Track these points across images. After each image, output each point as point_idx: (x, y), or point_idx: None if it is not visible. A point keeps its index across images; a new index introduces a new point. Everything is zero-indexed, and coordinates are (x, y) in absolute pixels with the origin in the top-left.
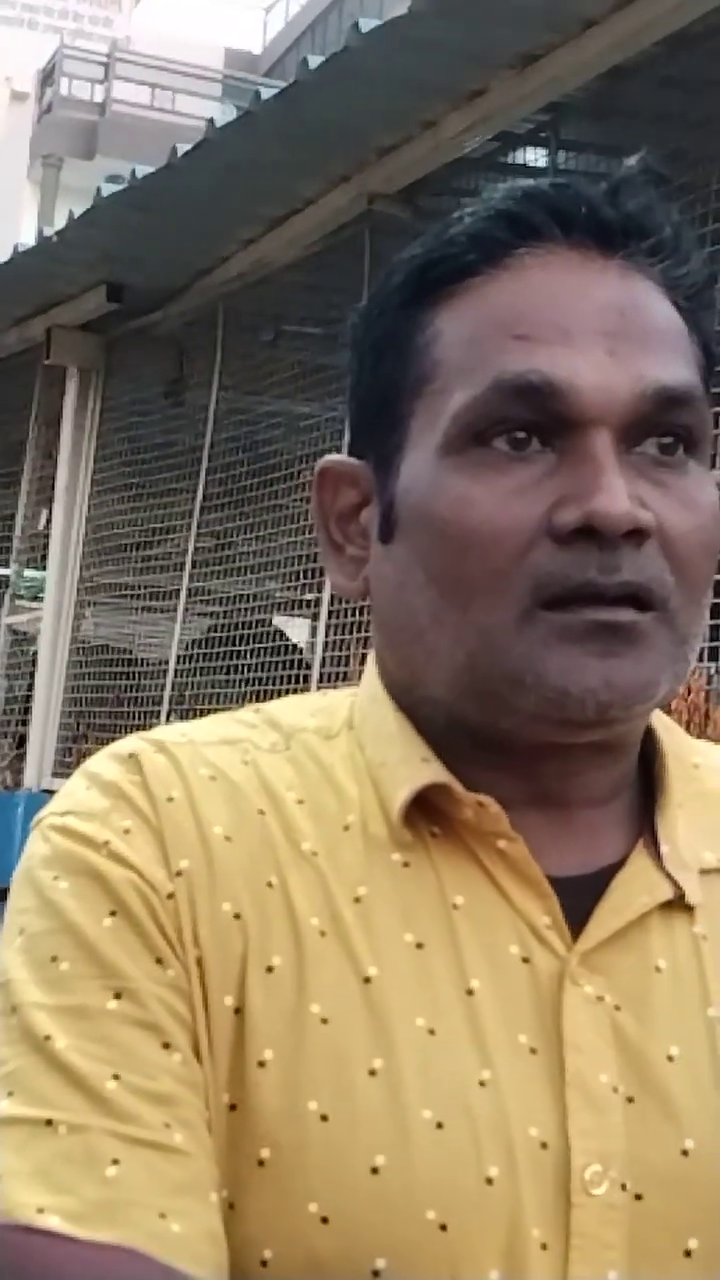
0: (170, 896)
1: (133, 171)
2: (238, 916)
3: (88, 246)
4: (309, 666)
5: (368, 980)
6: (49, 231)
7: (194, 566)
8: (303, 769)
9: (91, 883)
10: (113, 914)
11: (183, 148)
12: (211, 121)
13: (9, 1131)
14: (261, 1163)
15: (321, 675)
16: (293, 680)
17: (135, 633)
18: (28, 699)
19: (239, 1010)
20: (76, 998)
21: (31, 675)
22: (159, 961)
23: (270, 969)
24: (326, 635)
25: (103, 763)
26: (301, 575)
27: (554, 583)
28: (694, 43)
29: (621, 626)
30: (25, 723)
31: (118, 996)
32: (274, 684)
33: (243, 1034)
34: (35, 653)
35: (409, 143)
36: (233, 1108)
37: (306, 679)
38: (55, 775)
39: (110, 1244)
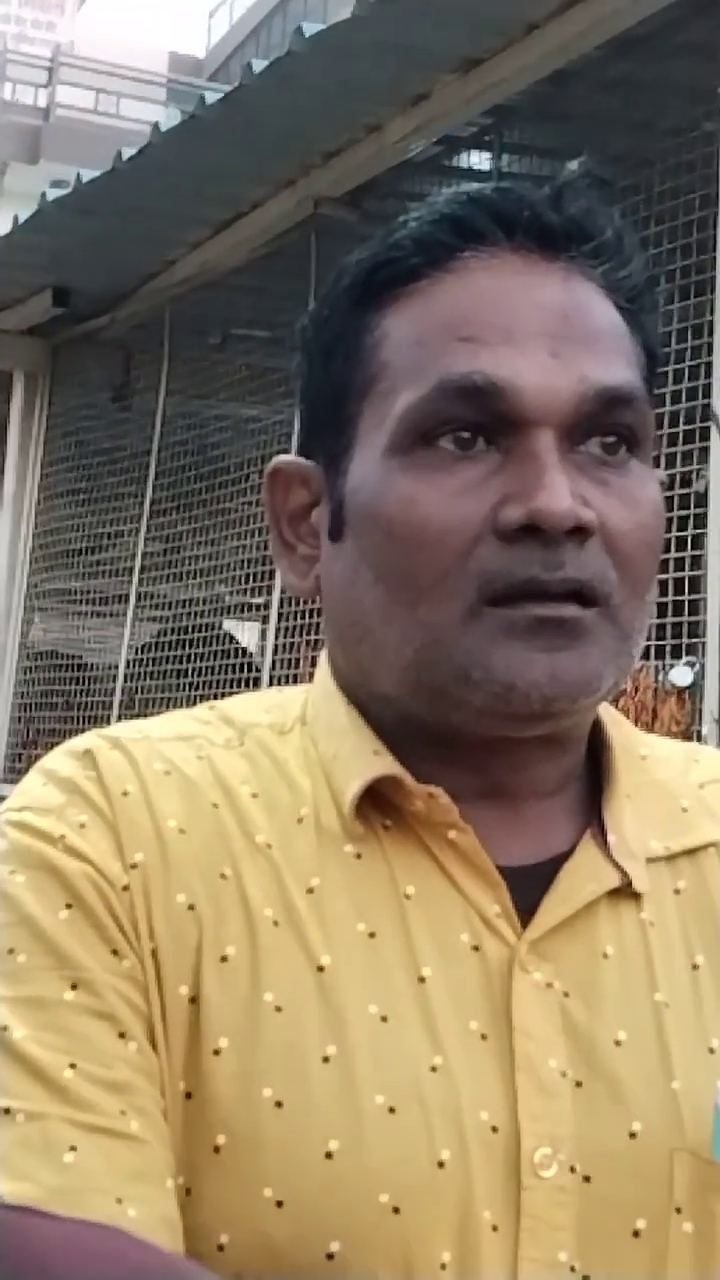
0: (125, 889)
1: (77, 176)
2: (192, 908)
3: (33, 251)
4: (259, 670)
5: (321, 969)
6: None
7: (143, 571)
8: (256, 763)
9: (48, 876)
10: (69, 906)
11: (127, 152)
12: (156, 126)
13: None
14: (217, 1149)
15: (271, 679)
16: (243, 684)
17: (84, 638)
18: None
19: (194, 1000)
20: (34, 988)
21: None
22: (114, 952)
23: (224, 959)
24: (276, 639)
25: (59, 759)
26: (251, 579)
27: (499, 579)
28: (635, 46)
29: (565, 621)
30: None
31: (74, 987)
32: (224, 688)
33: (198, 1023)
34: None
35: (353, 146)
36: (189, 1096)
37: (257, 682)
38: (5, 781)
39: (88, 1220)
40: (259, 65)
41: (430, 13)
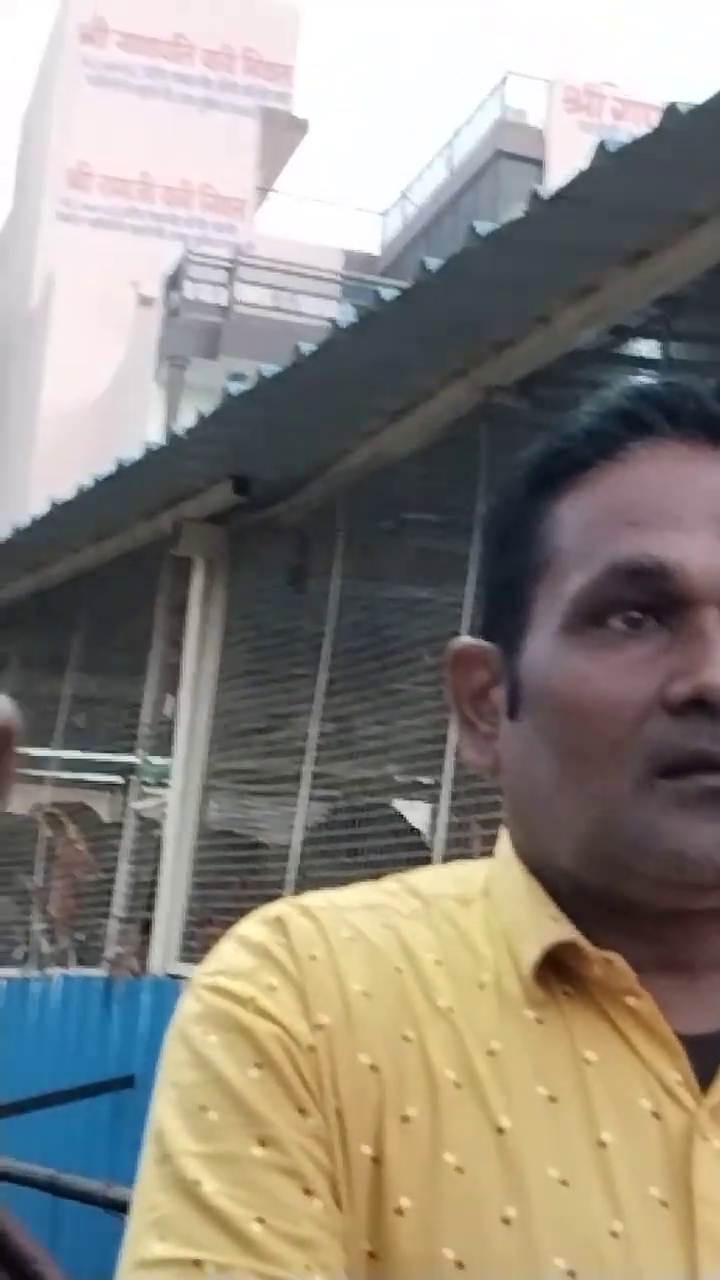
0: (311, 1049)
1: (258, 370)
2: (375, 1068)
3: (215, 443)
4: (430, 849)
5: (501, 1131)
6: (177, 429)
7: (316, 750)
8: (440, 932)
9: (239, 1037)
10: (258, 1066)
11: (307, 347)
12: (334, 322)
13: (160, 1272)
14: None
15: (444, 858)
16: (413, 863)
17: (258, 817)
18: (153, 884)
19: (376, 1159)
20: (224, 1145)
21: (157, 861)
22: (301, 1111)
23: (406, 1119)
24: (448, 817)
25: (251, 926)
26: (421, 758)
27: (669, 752)
28: None
29: None
30: (151, 908)
31: (263, 1144)
32: (395, 867)
33: (380, 1182)
34: (160, 838)
35: (524, 338)
36: (372, 1255)
37: (428, 861)
38: (181, 960)
39: None
40: (434, 263)
41: (599, 209)
